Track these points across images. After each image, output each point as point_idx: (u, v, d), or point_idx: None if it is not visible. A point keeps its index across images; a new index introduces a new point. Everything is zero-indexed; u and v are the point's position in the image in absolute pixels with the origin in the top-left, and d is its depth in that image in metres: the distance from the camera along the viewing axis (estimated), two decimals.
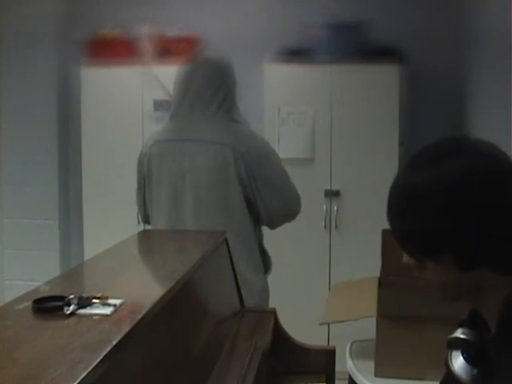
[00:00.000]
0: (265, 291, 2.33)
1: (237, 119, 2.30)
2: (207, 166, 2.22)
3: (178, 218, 2.26)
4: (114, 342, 0.98)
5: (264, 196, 2.24)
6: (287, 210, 2.34)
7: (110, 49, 4.00)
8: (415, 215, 1.07)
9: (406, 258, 1.15)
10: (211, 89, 2.26)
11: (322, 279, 3.84)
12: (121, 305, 1.17)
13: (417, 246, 1.10)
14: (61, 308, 1.13)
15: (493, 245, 1.04)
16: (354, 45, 3.76)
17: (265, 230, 2.41)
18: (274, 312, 2.03)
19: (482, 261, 1.05)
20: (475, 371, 1.08)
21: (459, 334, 1.12)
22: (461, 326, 1.14)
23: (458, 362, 1.10)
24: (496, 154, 1.08)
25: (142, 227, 3.92)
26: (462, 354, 1.10)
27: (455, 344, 1.12)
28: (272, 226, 2.39)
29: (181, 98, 2.31)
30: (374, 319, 2.08)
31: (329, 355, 2.00)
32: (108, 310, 1.14)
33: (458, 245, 1.05)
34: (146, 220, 2.45)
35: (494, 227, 1.03)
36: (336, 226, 3.89)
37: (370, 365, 2.10)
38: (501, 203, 1.04)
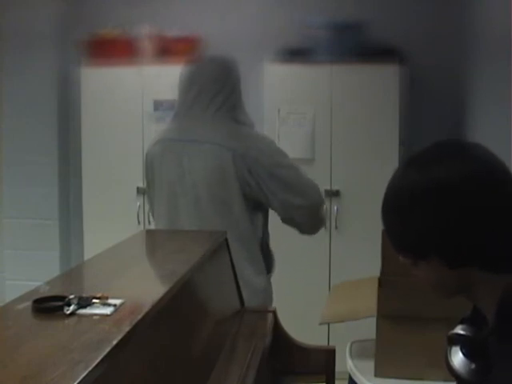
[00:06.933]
0: (267, 292, 2.31)
1: (239, 120, 2.27)
2: (205, 167, 2.21)
3: (177, 218, 2.26)
4: (114, 342, 0.98)
5: (277, 193, 2.20)
6: (305, 202, 2.24)
7: (110, 49, 4.00)
8: (401, 217, 1.11)
9: (401, 257, 1.17)
10: (213, 89, 2.24)
11: (322, 279, 3.85)
12: (121, 305, 1.17)
13: (405, 246, 1.14)
14: (61, 308, 1.13)
15: (479, 247, 1.06)
16: (354, 45, 3.76)
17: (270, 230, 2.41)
18: (274, 312, 2.03)
19: (470, 260, 1.07)
20: (474, 366, 1.09)
21: (458, 330, 1.14)
22: (461, 322, 1.16)
23: (457, 358, 1.12)
24: (488, 158, 1.10)
25: (142, 227, 3.95)
26: (461, 350, 1.12)
27: (454, 340, 1.14)
28: (295, 224, 2.28)
29: (183, 97, 2.30)
30: (374, 319, 2.08)
31: (329, 355, 2.00)
32: (108, 310, 1.14)
33: (443, 245, 1.07)
34: None
35: (480, 230, 1.05)
36: (336, 226, 3.89)
37: (370, 365, 2.10)
38: (487, 206, 1.05)
